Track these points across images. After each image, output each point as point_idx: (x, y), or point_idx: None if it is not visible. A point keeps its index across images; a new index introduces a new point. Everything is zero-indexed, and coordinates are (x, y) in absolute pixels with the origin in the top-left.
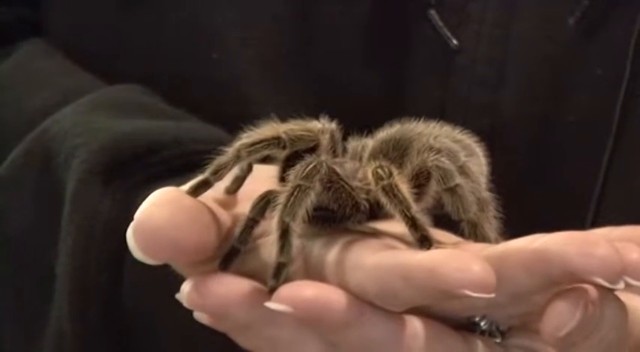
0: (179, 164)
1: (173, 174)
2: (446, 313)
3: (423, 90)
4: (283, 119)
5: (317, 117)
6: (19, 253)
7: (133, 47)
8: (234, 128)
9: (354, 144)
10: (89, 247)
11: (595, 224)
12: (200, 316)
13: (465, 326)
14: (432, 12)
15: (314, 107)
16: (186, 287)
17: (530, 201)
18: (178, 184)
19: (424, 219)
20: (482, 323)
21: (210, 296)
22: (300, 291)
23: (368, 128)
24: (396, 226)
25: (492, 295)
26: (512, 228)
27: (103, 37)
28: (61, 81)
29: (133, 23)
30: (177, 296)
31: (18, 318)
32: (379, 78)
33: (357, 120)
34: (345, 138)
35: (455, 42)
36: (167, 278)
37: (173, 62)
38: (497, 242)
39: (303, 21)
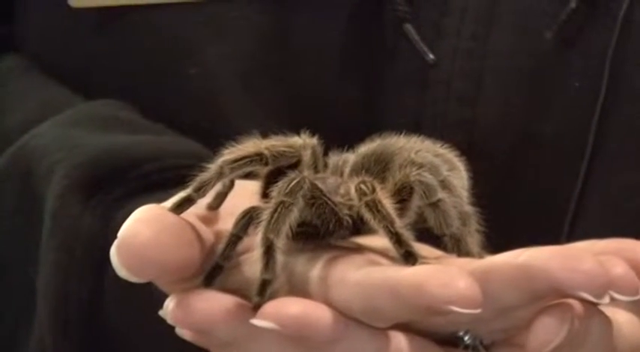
0: (159, 178)
1: (153, 188)
2: (430, 328)
3: (399, 105)
4: (262, 133)
5: (295, 131)
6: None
7: (110, 61)
8: (212, 142)
9: (334, 159)
10: (70, 262)
11: (572, 235)
12: (182, 332)
13: (449, 341)
14: (408, 26)
15: (292, 121)
16: (169, 303)
17: (508, 213)
18: (159, 199)
19: (408, 235)
20: (465, 338)
21: (194, 312)
22: (285, 308)
23: (345, 142)
24: (379, 241)
25: (478, 310)
26: (491, 241)
27: (79, 53)
28: (38, 96)
29: (110, 39)
30: (161, 312)
31: None
32: (356, 92)
33: (334, 134)
34: (324, 153)
35: (431, 56)
36: (149, 293)
37: (151, 77)
38: (480, 256)
39: (281, 35)
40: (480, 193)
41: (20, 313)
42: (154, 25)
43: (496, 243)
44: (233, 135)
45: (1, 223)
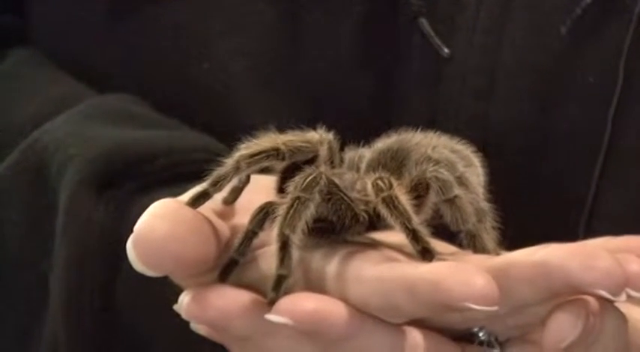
0: (172, 173)
1: (166, 183)
2: (445, 324)
3: (414, 99)
4: (275, 128)
5: (309, 127)
6: (12, 264)
7: (123, 57)
8: (225, 137)
9: (350, 154)
10: (83, 257)
11: (588, 231)
12: (197, 327)
13: (464, 337)
14: (423, 20)
15: (305, 116)
16: (184, 298)
17: (523, 209)
18: (172, 194)
19: (425, 231)
20: (480, 334)
21: (210, 308)
22: (301, 303)
23: (359, 137)
24: (394, 237)
25: (495, 308)
26: (505, 237)
27: (92, 47)
28: (51, 90)
29: (124, 33)
30: (176, 307)
31: (11, 330)
32: (371, 87)
33: (349, 129)
34: (340, 149)
35: (446, 51)
36: (163, 287)
37: (163, 71)
38: (495, 252)
39: (295, 30)
40: (495, 189)
41: (33, 308)
42: (167, 20)
43: (511, 239)
44: (245, 129)
45: (15, 218)
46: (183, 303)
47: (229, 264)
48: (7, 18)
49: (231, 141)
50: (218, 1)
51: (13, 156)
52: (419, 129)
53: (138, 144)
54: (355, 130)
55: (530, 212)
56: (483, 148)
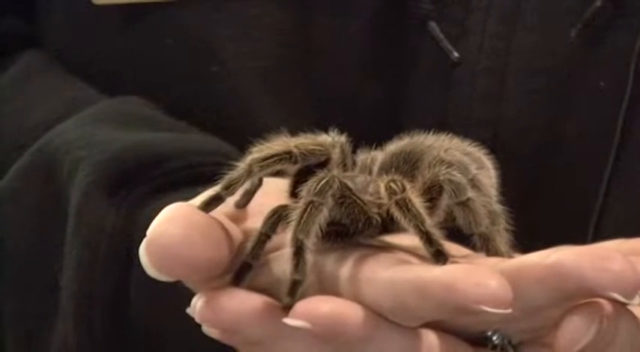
0: (184, 176)
1: (178, 186)
2: (459, 327)
3: (424, 103)
4: (284, 132)
5: (318, 131)
6: (22, 266)
7: (133, 61)
8: (234, 141)
9: (362, 157)
10: (94, 261)
11: (597, 234)
12: (209, 330)
13: (477, 340)
14: (432, 24)
15: (314, 120)
16: (197, 302)
17: (532, 213)
18: (184, 196)
19: (439, 234)
20: (494, 338)
21: (223, 311)
22: (317, 307)
23: (369, 141)
24: (407, 239)
25: (509, 310)
26: (515, 239)
27: (101, 51)
28: (61, 93)
29: (133, 37)
30: (188, 310)
31: (21, 332)
32: (380, 90)
33: (358, 133)
34: (352, 151)
35: (455, 54)
36: (174, 291)
37: (172, 75)
38: (508, 255)
39: (303, 34)
40: (505, 192)
41: (43, 310)
42: (176, 23)
43: (521, 240)
44: (255, 133)
45: (25, 220)
46: (196, 307)
47: (243, 268)
48: (17, 22)
49: (239, 145)
50: (227, 5)
51: (24, 158)
52: (430, 132)
53: (149, 147)
54: (365, 134)
55: (540, 214)
56: (494, 151)
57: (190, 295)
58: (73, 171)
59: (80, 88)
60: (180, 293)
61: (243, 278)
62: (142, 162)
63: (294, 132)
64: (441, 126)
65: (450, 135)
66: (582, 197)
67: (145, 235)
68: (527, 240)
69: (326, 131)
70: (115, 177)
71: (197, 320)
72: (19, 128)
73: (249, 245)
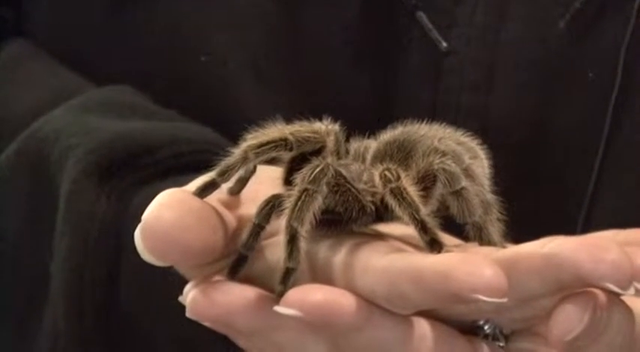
0: (174, 164)
1: (168, 174)
2: (451, 316)
3: (413, 93)
4: (273, 121)
5: (308, 120)
6: (13, 253)
7: (121, 49)
8: (222, 130)
9: (356, 145)
10: (85, 247)
11: (586, 226)
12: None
13: (469, 330)
14: (421, 14)
15: (304, 110)
16: (189, 294)
17: (522, 202)
18: (175, 184)
19: (433, 222)
20: (485, 327)
21: (215, 306)
22: (309, 295)
23: (359, 130)
24: (400, 228)
25: (504, 299)
26: (506, 230)
27: (90, 39)
28: (50, 81)
29: (122, 26)
30: (180, 298)
31: (11, 318)
32: (370, 80)
33: (347, 122)
34: (345, 140)
35: (444, 44)
36: (165, 278)
37: (162, 65)
38: (501, 245)
39: (293, 24)
40: (494, 181)
41: (34, 297)
42: (165, 12)
43: (511, 231)
44: (244, 122)
45: (15, 208)
46: (188, 302)
47: (238, 260)
48: (3, 9)
49: (228, 134)
50: None
51: (13, 145)
52: (419, 122)
53: (140, 135)
54: (355, 123)
55: (529, 204)
56: (483, 141)
57: (181, 282)
58: (63, 158)
59: (68, 76)
60: (171, 281)
61: (240, 271)
62: (132, 151)
63: (284, 121)
64: (430, 115)
65: (437, 124)
66: (572, 186)
67: (135, 222)
68: (516, 230)
69: (320, 119)
70: (105, 165)
71: (189, 314)
72: (7, 116)
73: (244, 236)
